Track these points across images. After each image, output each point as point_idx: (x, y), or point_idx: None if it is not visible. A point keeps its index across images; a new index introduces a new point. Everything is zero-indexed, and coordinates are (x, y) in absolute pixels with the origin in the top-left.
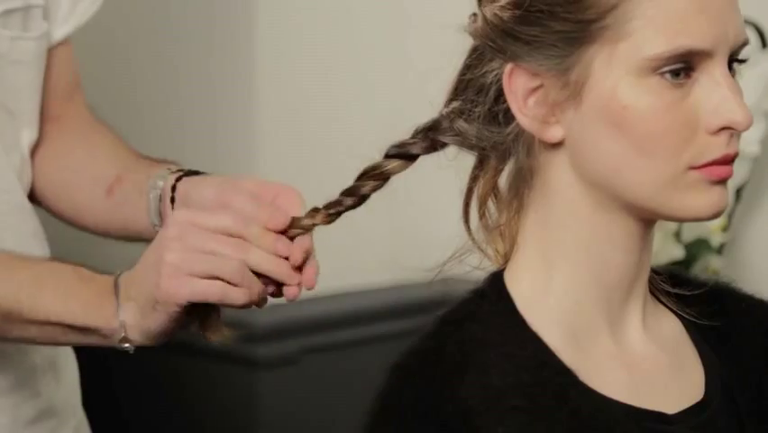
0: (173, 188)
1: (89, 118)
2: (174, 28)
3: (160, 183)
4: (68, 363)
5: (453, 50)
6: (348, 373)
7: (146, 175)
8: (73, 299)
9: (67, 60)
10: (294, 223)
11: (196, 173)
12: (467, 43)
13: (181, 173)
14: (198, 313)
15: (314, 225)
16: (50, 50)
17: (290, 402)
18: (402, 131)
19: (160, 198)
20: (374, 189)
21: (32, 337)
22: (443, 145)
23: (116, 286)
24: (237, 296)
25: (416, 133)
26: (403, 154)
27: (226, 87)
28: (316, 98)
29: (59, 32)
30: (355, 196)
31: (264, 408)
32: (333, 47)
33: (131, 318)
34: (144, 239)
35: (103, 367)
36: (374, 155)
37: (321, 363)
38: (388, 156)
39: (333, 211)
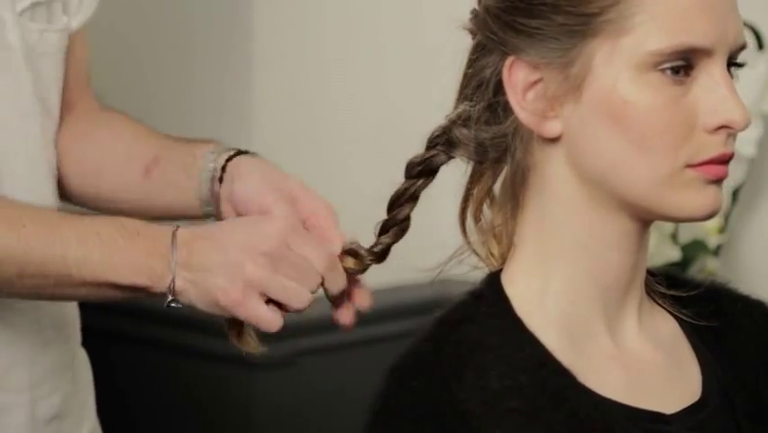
0: (223, 168)
1: (101, 107)
2: (175, 28)
3: (211, 165)
4: (83, 363)
5: (460, 46)
6: (345, 375)
7: (191, 156)
8: (119, 259)
9: (81, 50)
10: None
11: (242, 152)
12: (469, 41)
13: (231, 153)
14: (237, 324)
15: (363, 267)
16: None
17: (287, 404)
18: (403, 131)
19: (212, 179)
20: (410, 211)
21: (83, 296)
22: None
23: (173, 245)
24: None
25: (433, 145)
26: (426, 171)
27: (226, 90)
28: (317, 98)
29: (74, 22)
30: (394, 227)
31: (261, 409)
32: (335, 47)
33: (182, 285)
34: (189, 217)
35: (101, 367)
36: (375, 154)
37: (318, 364)
38: (411, 176)
39: (378, 250)
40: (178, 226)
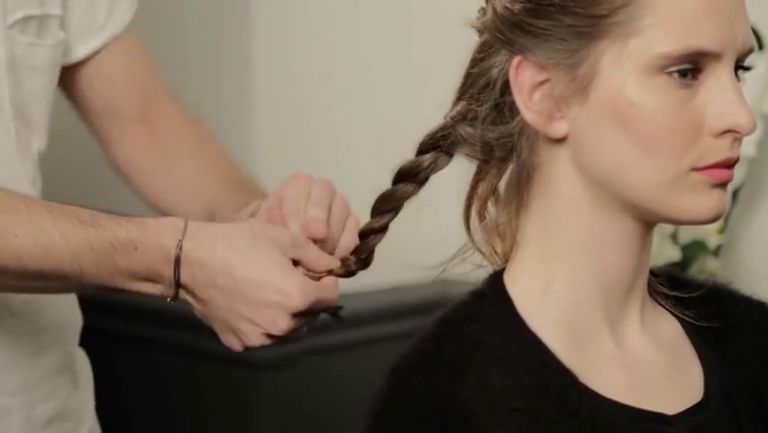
0: None
1: (182, 125)
2: (175, 31)
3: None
4: (83, 365)
5: (453, 48)
6: (347, 375)
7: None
8: (118, 274)
9: (127, 62)
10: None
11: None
12: (465, 41)
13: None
14: None
15: (350, 272)
16: (96, 57)
17: (289, 404)
18: (401, 134)
19: None
20: (391, 220)
21: (92, 291)
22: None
23: (176, 266)
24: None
25: (426, 148)
26: (420, 180)
27: (224, 88)
28: (314, 98)
29: (96, 41)
30: (376, 231)
31: (263, 410)
32: (332, 48)
33: (187, 301)
34: None
35: (101, 367)
36: (372, 154)
37: (319, 365)
38: (401, 181)
39: (364, 256)
40: (185, 229)
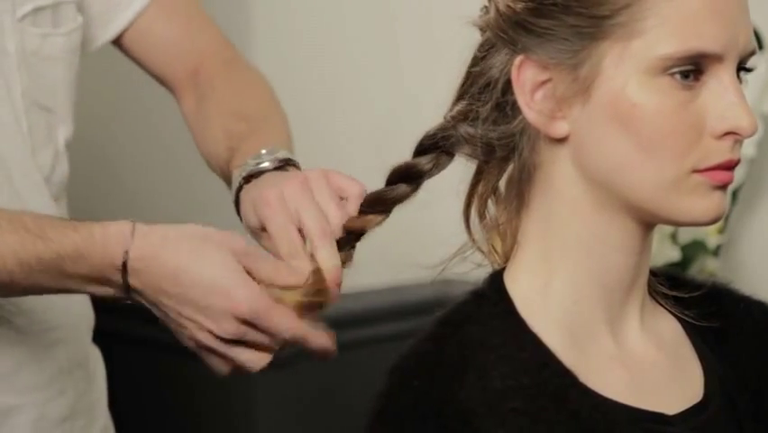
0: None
1: (218, 82)
2: None
3: (236, 182)
4: (97, 361)
5: (453, 47)
6: (346, 375)
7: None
8: (69, 279)
9: (165, 26)
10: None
11: (257, 174)
12: (464, 40)
13: (250, 171)
14: None
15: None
16: (131, 29)
17: (288, 404)
18: (400, 132)
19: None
20: (381, 222)
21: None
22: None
23: (123, 273)
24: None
25: (424, 149)
26: (417, 182)
27: None
28: (313, 98)
29: (127, 15)
30: (360, 231)
31: (262, 410)
32: (330, 48)
33: (143, 302)
34: None
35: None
36: (371, 155)
37: (318, 364)
38: (397, 182)
39: (346, 249)
40: (132, 236)
